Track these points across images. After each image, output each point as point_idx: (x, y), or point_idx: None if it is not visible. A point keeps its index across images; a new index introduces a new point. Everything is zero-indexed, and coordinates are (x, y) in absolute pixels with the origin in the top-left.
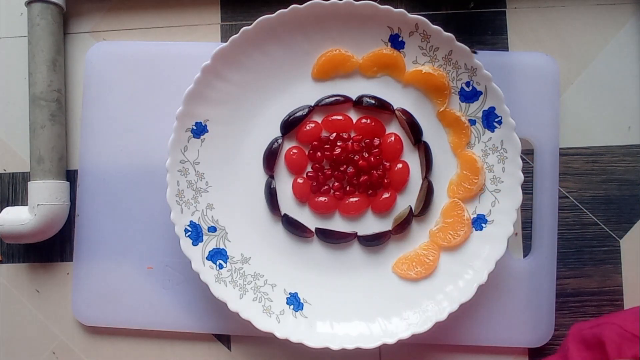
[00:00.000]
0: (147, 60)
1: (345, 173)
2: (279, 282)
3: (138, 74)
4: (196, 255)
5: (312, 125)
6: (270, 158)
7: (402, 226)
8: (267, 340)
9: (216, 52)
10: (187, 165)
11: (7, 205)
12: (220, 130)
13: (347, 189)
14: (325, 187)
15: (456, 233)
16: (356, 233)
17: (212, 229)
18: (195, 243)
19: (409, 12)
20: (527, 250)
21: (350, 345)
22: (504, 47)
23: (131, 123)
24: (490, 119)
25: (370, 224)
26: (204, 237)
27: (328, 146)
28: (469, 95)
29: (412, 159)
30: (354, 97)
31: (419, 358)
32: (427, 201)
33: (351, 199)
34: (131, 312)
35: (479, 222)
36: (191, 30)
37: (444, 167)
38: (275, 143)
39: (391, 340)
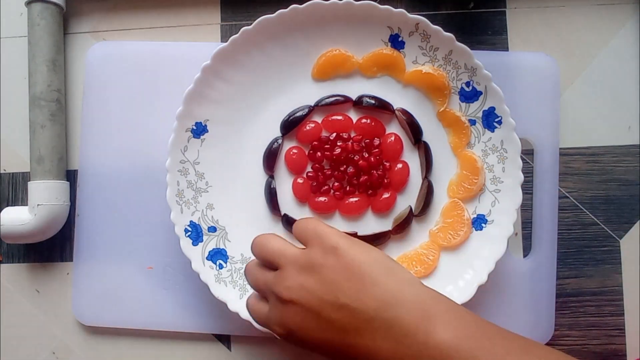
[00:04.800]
0: (147, 60)
1: (345, 173)
2: None
3: (138, 74)
4: (196, 255)
5: (312, 125)
6: (270, 158)
7: (402, 226)
8: (267, 340)
9: (216, 52)
10: (187, 165)
11: (7, 205)
12: (220, 130)
13: (347, 189)
14: (325, 187)
15: (456, 233)
16: (356, 233)
17: (212, 229)
18: (195, 243)
19: (409, 12)
20: (527, 250)
21: None
22: (504, 47)
23: (131, 123)
24: (490, 119)
25: (370, 224)
26: (204, 237)
27: (328, 146)
28: (469, 95)
29: (412, 159)
30: (354, 97)
31: None
32: (427, 201)
33: (351, 199)
34: (131, 312)
35: (479, 222)
36: (191, 30)
37: (444, 167)
38: (275, 143)
39: None
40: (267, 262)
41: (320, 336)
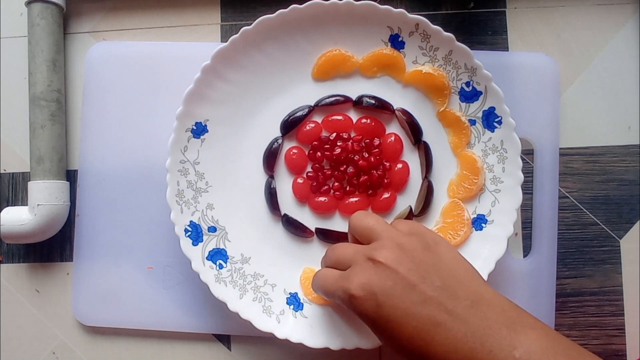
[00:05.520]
0: (147, 60)
1: (345, 173)
2: (279, 282)
3: (138, 74)
4: (196, 255)
5: (312, 125)
6: (270, 158)
7: None
8: (267, 340)
9: (216, 52)
10: (187, 165)
11: (7, 205)
12: (220, 130)
13: (347, 189)
14: (325, 187)
15: (456, 233)
16: None
17: (212, 229)
18: (195, 243)
19: (409, 12)
20: (527, 250)
21: (350, 345)
22: (504, 47)
23: (131, 123)
24: (490, 119)
25: None
26: (204, 237)
27: (328, 146)
28: (469, 95)
29: (412, 159)
30: (354, 97)
31: None
32: (427, 201)
33: (351, 199)
34: (131, 312)
35: (479, 222)
36: (191, 30)
37: (444, 167)
38: (275, 143)
39: None
40: (363, 235)
41: (410, 307)
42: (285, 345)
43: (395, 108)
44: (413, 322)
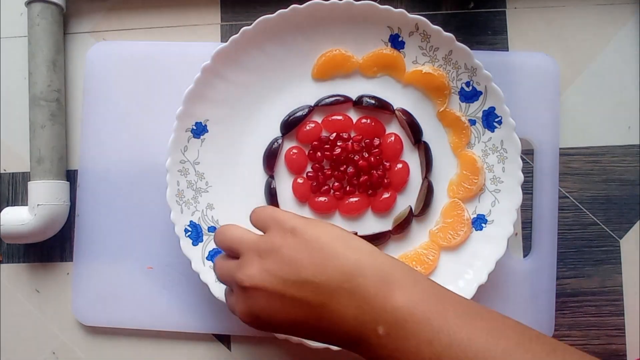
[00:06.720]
0: (147, 60)
1: (345, 173)
2: None
3: (138, 74)
4: (196, 255)
5: (312, 125)
6: (270, 158)
7: (402, 226)
8: (267, 340)
9: (216, 52)
10: (187, 165)
11: (7, 205)
12: (220, 130)
13: (347, 189)
14: (325, 187)
15: (456, 233)
16: (356, 233)
17: (212, 229)
18: (195, 243)
19: (409, 12)
20: (527, 250)
21: None
22: (504, 47)
23: (131, 123)
24: (490, 119)
25: (370, 224)
26: (204, 237)
27: (328, 146)
28: (469, 95)
29: (412, 159)
30: (354, 97)
31: None
32: (427, 201)
33: (351, 199)
34: (131, 312)
35: (479, 222)
36: (191, 30)
37: (444, 167)
38: (275, 143)
39: None
40: (229, 251)
41: (287, 316)
42: (285, 345)
43: (395, 108)
44: (293, 324)
